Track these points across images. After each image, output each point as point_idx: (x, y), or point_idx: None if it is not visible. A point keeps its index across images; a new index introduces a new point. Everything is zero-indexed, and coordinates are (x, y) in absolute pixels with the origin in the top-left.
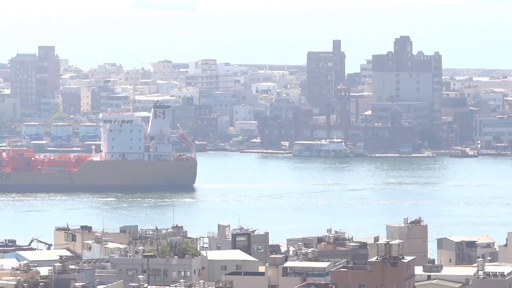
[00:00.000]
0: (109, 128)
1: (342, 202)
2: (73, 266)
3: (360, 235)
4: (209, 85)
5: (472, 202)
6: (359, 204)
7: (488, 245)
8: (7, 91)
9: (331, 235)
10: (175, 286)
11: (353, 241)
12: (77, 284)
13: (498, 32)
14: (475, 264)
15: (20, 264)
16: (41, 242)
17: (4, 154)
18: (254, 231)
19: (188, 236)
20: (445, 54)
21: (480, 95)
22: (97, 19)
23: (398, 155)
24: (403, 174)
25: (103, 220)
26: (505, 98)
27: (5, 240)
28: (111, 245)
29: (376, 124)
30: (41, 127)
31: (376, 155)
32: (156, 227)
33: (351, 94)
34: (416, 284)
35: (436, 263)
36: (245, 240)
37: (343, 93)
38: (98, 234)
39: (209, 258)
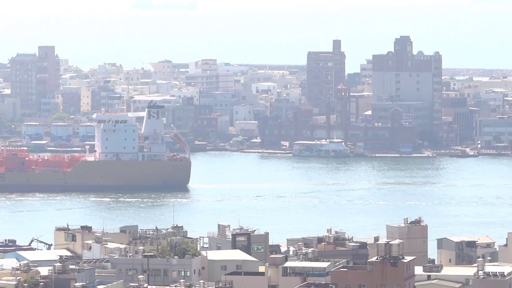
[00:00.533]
0: (103, 128)
1: (342, 202)
2: (73, 266)
3: (360, 235)
4: (209, 85)
5: (472, 202)
6: (359, 204)
7: (488, 245)
8: (7, 91)
9: (331, 235)
10: (175, 286)
11: (353, 241)
12: (77, 284)
13: (498, 32)
14: (475, 264)
15: (20, 264)
16: (41, 242)
17: None
18: (254, 231)
19: (188, 236)
20: (445, 54)
21: (480, 95)
22: (97, 19)
23: (398, 155)
24: (403, 174)
25: (103, 220)
26: (505, 98)
27: (5, 240)
28: (111, 245)
29: (376, 124)
30: (41, 127)
31: (376, 155)
32: (156, 227)
33: (351, 94)
34: (416, 284)
35: (436, 263)
36: (245, 240)
37: (343, 93)
38: (98, 234)
39: (209, 258)
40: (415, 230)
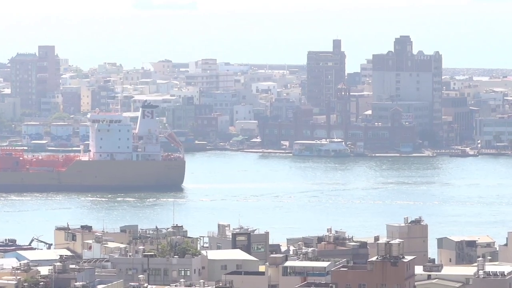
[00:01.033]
0: (97, 128)
1: (342, 201)
2: (73, 266)
3: (360, 234)
4: (209, 84)
5: (472, 201)
6: (359, 204)
7: (488, 245)
8: (7, 91)
9: (331, 235)
10: (175, 285)
11: (353, 241)
12: (77, 283)
13: (498, 32)
14: (475, 264)
15: (20, 263)
16: (41, 241)
17: None
18: (254, 230)
19: (188, 235)
20: (445, 54)
21: (480, 94)
22: (97, 19)
23: (398, 154)
24: (403, 173)
25: (97, 220)
26: (505, 98)
27: (6, 239)
28: (111, 244)
29: (376, 123)
30: (41, 127)
31: (376, 154)
32: (156, 227)
33: (351, 93)
34: (416, 283)
35: (436, 263)
36: (245, 239)
37: (343, 93)
38: (98, 234)
39: (209, 257)
40: (415, 230)
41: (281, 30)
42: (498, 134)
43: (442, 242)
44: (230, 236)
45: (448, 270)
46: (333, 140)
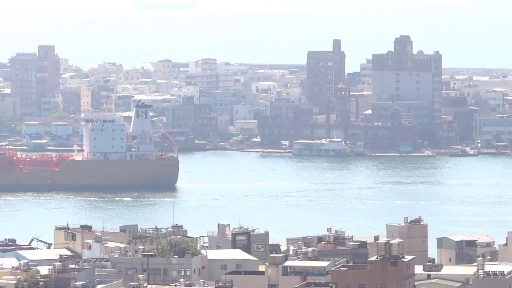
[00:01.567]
0: (91, 127)
1: (342, 201)
2: (73, 265)
3: (360, 234)
4: (209, 84)
5: (472, 201)
6: (359, 203)
7: (488, 244)
8: (7, 91)
9: (331, 234)
10: (175, 285)
11: (353, 240)
12: (77, 283)
13: (498, 32)
14: (475, 263)
15: (20, 263)
16: (41, 241)
17: None
18: (254, 230)
19: (188, 235)
20: (445, 54)
21: (480, 94)
22: (97, 19)
23: (398, 154)
24: (403, 173)
25: (102, 220)
26: (505, 98)
27: (5, 239)
28: (111, 244)
29: (376, 123)
30: (41, 127)
31: (376, 154)
32: (156, 226)
33: (351, 93)
34: (416, 283)
35: (436, 262)
36: (245, 239)
37: (343, 93)
38: (98, 234)
39: (209, 257)
40: (415, 229)
41: (281, 30)
42: (498, 134)
43: (442, 242)
44: (230, 236)
45: (448, 269)
46: (333, 139)
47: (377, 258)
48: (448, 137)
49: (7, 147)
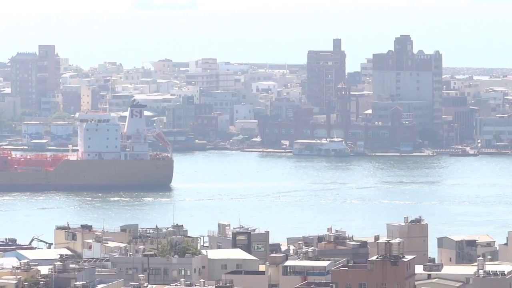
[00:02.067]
0: (85, 127)
1: (342, 201)
2: (73, 265)
3: (361, 234)
4: (209, 84)
5: (473, 201)
6: (359, 203)
7: (489, 244)
8: (8, 90)
9: (331, 234)
10: (176, 285)
11: (353, 240)
12: (77, 283)
13: (498, 32)
14: (476, 263)
15: (20, 263)
16: (41, 241)
17: None
18: (254, 230)
19: (188, 235)
20: (445, 53)
21: (480, 94)
22: (97, 19)
23: (398, 154)
24: (403, 173)
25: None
26: (505, 97)
27: (6, 239)
28: (111, 244)
29: (376, 123)
30: (41, 126)
31: (377, 154)
32: (156, 226)
33: (351, 93)
34: (416, 283)
35: (436, 262)
36: (245, 239)
37: (343, 92)
38: (99, 233)
39: (209, 257)
40: (415, 229)
41: (281, 30)
42: (498, 134)
43: (442, 242)
44: (230, 236)
45: (448, 269)
46: (333, 139)
47: (377, 258)
48: (448, 137)
49: (2, 146)
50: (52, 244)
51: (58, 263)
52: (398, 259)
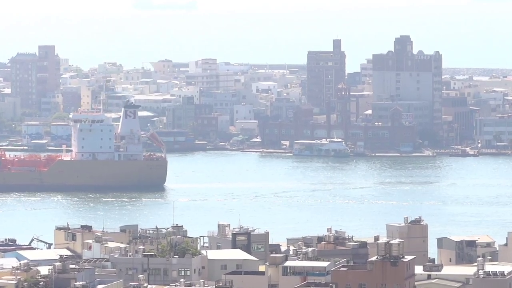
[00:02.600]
0: (79, 127)
1: (342, 201)
2: (73, 266)
3: (360, 234)
4: (209, 84)
5: (472, 201)
6: (359, 204)
7: (488, 245)
8: (8, 91)
9: (331, 235)
10: (175, 285)
11: (353, 241)
12: (77, 283)
13: (498, 32)
14: (475, 264)
15: (20, 263)
16: (41, 241)
17: None
18: (254, 230)
19: (188, 235)
20: (445, 54)
21: (480, 94)
22: (97, 19)
23: (398, 154)
24: (403, 173)
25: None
26: (505, 98)
27: (6, 239)
28: (111, 244)
29: (376, 123)
30: (41, 127)
31: (377, 154)
32: (156, 227)
33: (351, 93)
34: (416, 283)
35: (436, 263)
36: (245, 239)
37: (343, 93)
38: (98, 234)
39: (209, 257)
40: (415, 230)
41: (281, 30)
42: (498, 134)
43: (442, 242)
44: (230, 236)
45: (448, 270)
46: (333, 140)
47: (377, 258)
48: (448, 137)
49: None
50: (52, 244)
51: (58, 263)
52: (398, 260)
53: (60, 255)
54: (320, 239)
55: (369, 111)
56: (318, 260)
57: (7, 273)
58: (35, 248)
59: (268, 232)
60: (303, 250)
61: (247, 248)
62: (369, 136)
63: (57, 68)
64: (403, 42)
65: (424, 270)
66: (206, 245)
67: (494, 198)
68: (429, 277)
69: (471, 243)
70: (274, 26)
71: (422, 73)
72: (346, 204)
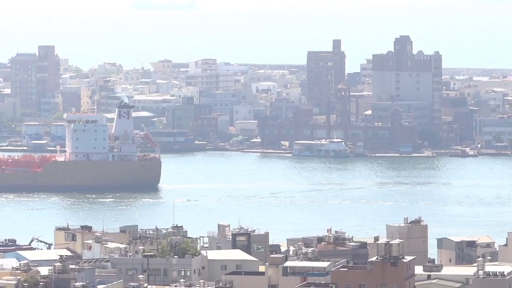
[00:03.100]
0: (73, 128)
1: (342, 201)
2: (73, 266)
3: (360, 234)
4: (209, 84)
5: (472, 201)
6: (359, 204)
7: (488, 245)
8: (7, 91)
9: (331, 235)
10: (175, 286)
11: (353, 241)
12: (77, 283)
13: (498, 32)
14: (475, 264)
15: (20, 263)
16: (41, 241)
17: None
18: (254, 230)
19: (188, 235)
20: (445, 54)
21: (480, 94)
22: (97, 19)
23: (398, 155)
24: (403, 174)
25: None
26: (505, 98)
27: (5, 239)
28: (111, 244)
29: (376, 123)
30: (41, 127)
31: (376, 155)
32: (156, 227)
33: (351, 93)
34: (416, 283)
35: (436, 263)
36: (245, 239)
37: (343, 93)
38: (98, 234)
39: (209, 257)
40: (415, 230)
41: (281, 30)
42: (498, 134)
43: (442, 242)
44: (230, 236)
45: (448, 270)
46: (333, 140)
47: (377, 258)
48: (448, 138)
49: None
50: (52, 244)
51: (58, 263)
52: (398, 260)
53: (60, 256)
54: (320, 239)
55: (369, 112)
56: (318, 261)
57: (7, 274)
58: (35, 249)
59: (268, 233)
60: (303, 251)
61: (247, 249)
62: (369, 136)
63: (57, 68)
64: (403, 42)
65: (424, 270)
66: (206, 245)
67: (494, 199)
68: (429, 277)
69: (471, 244)
70: (274, 26)
71: (422, 73)
72: (345, 204)
